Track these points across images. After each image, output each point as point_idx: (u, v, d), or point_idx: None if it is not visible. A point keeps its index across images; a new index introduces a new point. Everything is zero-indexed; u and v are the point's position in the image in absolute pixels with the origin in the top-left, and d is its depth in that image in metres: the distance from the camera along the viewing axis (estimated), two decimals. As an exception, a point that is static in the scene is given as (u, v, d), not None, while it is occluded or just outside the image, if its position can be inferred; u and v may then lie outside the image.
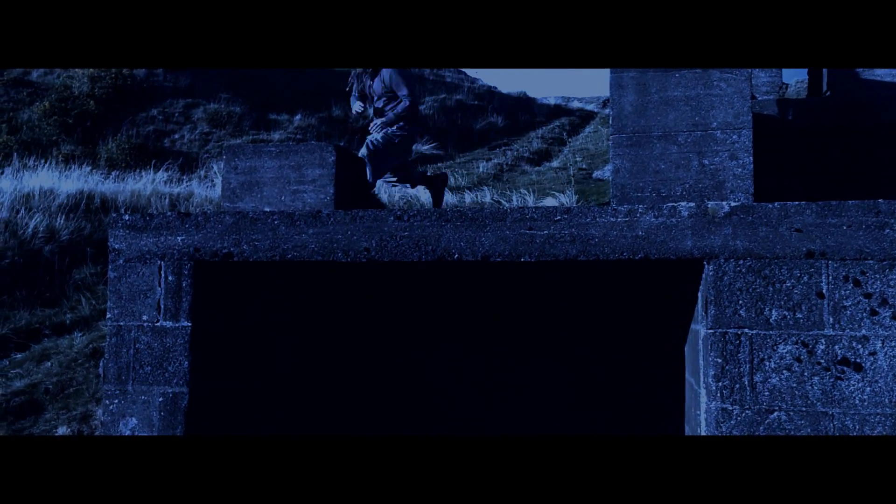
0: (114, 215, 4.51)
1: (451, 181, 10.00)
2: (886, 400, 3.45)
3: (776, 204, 3.62)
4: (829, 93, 7.32)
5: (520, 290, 5.85)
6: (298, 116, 13.18)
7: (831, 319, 3.52)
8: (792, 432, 3.52)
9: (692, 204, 3.73)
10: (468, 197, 8.93)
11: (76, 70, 13.31)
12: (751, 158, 4.38)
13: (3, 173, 9.92)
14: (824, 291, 3.53)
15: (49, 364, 6.11)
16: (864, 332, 3.49)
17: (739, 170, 4.38)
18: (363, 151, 6.53)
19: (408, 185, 7.09)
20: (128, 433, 4.30)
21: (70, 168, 10.57)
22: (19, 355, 6.43)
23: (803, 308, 3.55)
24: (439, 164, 11.67)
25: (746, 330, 3.60)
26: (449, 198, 8.89)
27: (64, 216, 8.23)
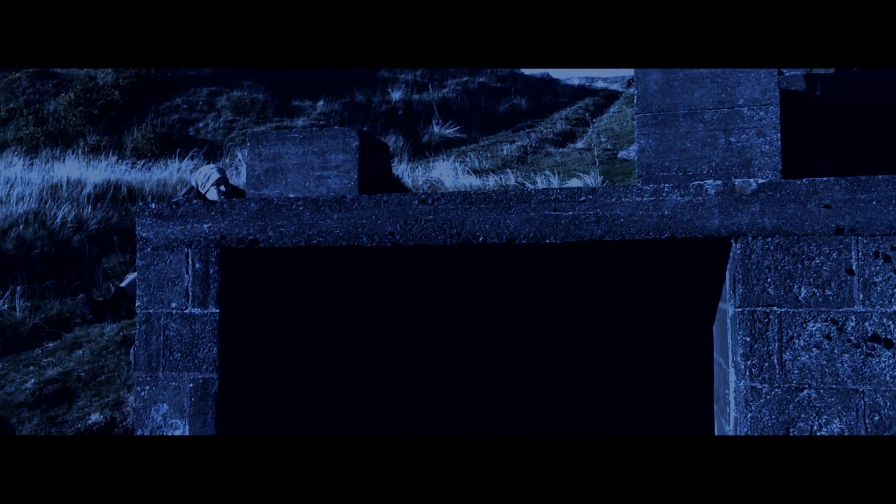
0: (141, 204, 4.55)
1: (476, 164, 9.98)
2: (919, 377, 3.41)
3: (804, 180, 3.58)
4: (857, 67, 7.20)
5: (547, 270, 5.84)
6: (321, 102, 13.18)
7: (861, 296, 3.48)
8: (822, 410, 3.50)
9: (719, 182, 3.69)
10: (492, 179, 8.90)
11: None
12: (778, 135, 4.32)
13: (31, 165, 10.02)
14: (854, 268, 3.49)
15: (81, 352, 6.19)
16: (894, 307, 3.45)
17: (767, 147, 4.34)
18: None
19: None
20: (159, 419, 4.35)
21: (97, 158, 10.66)
22: (51, 344, 6.52)
23: (833, 285, 3.51)
24: (463, 147, 11.63)
25: (775, 308, 3.57)
26: (473, 181, 8.88)
27: (91, 206, 8.31)
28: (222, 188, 6.88)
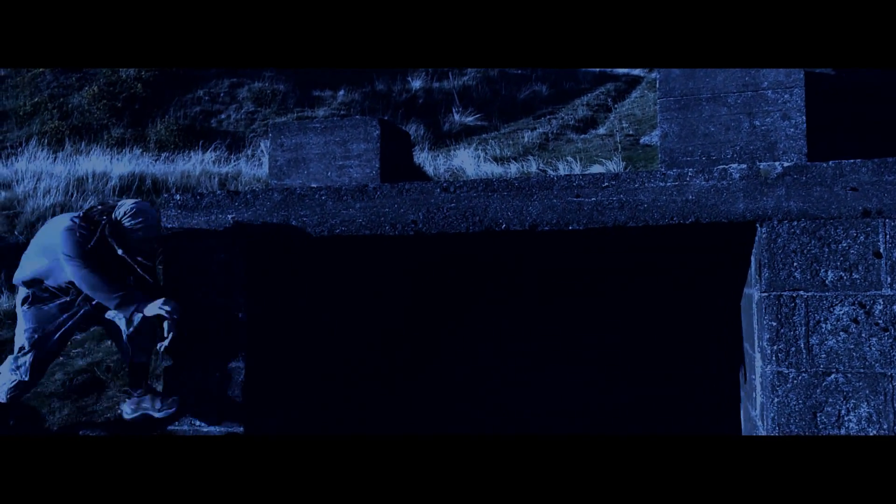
0: (165, 196, 4.58)
1: (497, 151, 9.95)
2: (948, 360, 3.38)
3: (830, 163, 3.55)
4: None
5: (570, 258, 5.82)
6: (342, 92, 13.19)
7: (889, 279, 3.44)
8: (850, 394, 3.47)
9: (744, 166, 3.67)
10: (514, 167, 8.87)
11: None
12: (803, 118, 4.28)
13: (56, 158, 10.11)
14: (881, 250, 3.46)
15: (109, 343, 6.24)
16: (923, 291, 3.41)
17: (792, 130, 4.29)
18: None
19: None
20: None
21: (121, 151, 10.74)
22: (80, 335, 6.58)
23: (860, 268, 3.48)
24: (484, 135, 11.60)
25: (802, 292, 3.54)
26: (495, 168, 8.86)
27: (117, 198, 8.38)
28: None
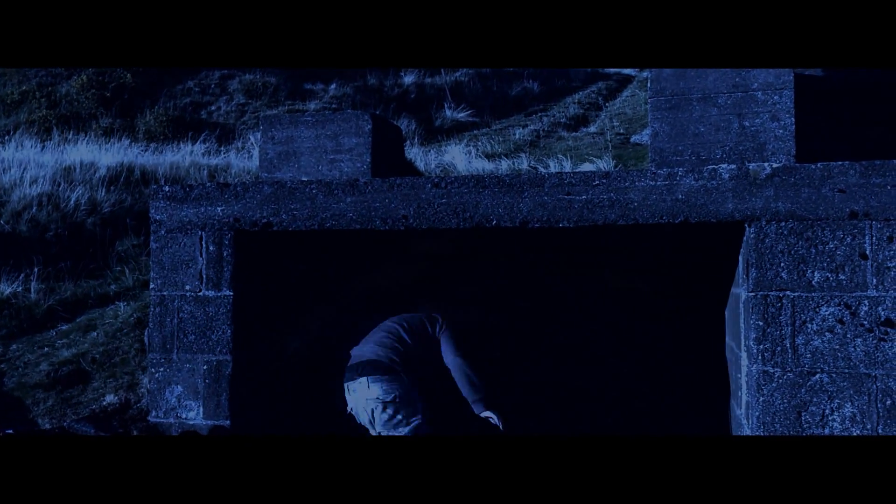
0: (154, 187, 4.57)
1: (488, 148, 9.96)
2: (932, 362, 3.41)
3: (819, 164, 3.57)
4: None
5: (557, 255, 5.84)
6: (333, 85, 13.16)
7: (875, 280, 3.47)
8: (834, 394, 3.50)
9: (733, 166, 3.69)
10: (505, 163, 8.88)
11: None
12: (793, 119, 4.30)
13: (43, 147, 10.06)
14: (868, 252, 3.49)
15: (95, 334, 6.23)
16: (909, 293, 3.44)
17: (781, 131, 4.32)
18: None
19: None
20: (173, 400, 4.39)
21: (109, 141, 10.69)
22: (65, 326, 6.56)
23: (846, 269, 3.51)
24: (475, 131, 11.61)
25: (788, 292, 3.57)
26: (486, 165, 8.87)
27: (105, 188, 8.34)
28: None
